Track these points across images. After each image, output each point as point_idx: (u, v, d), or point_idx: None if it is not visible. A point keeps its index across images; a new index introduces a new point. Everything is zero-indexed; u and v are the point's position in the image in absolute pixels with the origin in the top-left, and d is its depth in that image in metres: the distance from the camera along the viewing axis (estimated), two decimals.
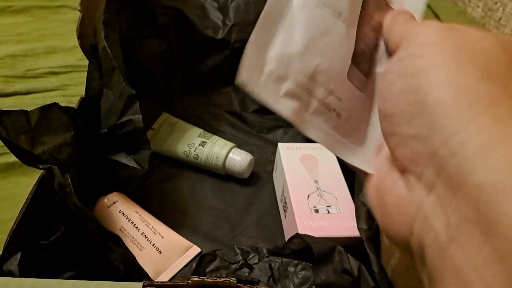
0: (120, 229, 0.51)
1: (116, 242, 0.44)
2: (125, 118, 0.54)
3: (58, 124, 0.48)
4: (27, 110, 0.46)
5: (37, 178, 0.47)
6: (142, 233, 0.51)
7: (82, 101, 0.58)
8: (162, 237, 0.52)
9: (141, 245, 0.51)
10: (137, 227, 0.52)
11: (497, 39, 0.24)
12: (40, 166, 0.44)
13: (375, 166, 0.29)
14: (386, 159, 0.28)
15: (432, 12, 1.23)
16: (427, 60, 0.24)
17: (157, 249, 0.50)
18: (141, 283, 0.34)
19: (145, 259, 0.49)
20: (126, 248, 0.45)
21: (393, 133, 0.25)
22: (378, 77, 0.31)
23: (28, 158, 0.44)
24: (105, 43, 0.54)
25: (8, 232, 0.42)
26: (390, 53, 0.29)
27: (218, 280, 0.34)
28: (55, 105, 0.49)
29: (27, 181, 0.63)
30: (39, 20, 1.03)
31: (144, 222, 0.53)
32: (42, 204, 0.44)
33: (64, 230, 0.43)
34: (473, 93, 0.21)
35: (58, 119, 0.48)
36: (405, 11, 0.31)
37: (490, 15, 1.15)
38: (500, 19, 1.12)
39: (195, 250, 0.52)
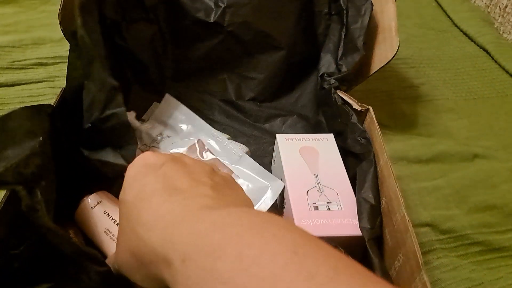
0: (105, 232, 0.47)
1: (95, 261, 0.40)
2: (108, 112, 0.50)
3: (21, 133, 0.43)
4: None
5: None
6: None
7: (63, 93, 0.54)
8: None
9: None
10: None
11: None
12: (3, 188, 0.39)
13: None
14: None
15: (434, 1, 1.19)
16: None
17: None
18: None
19: None
20: (106, 265, 0.41)
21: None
22: None
23: None
24: (83, 30, 0.50)
25: None
26: None
27: None
28: (17, 111, 0.43)
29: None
30: (27, 11, 1.00)
31: None
32: (11, 212, 0.40)
33: (36, 239, 0.39)
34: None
35: (21, 127, 0.43)
36: None
37: (495, 3, 1.12)
38: (506, 7, 1.08)
39: None
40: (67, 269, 0.40)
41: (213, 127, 0.64)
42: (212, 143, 0.61)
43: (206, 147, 0.61)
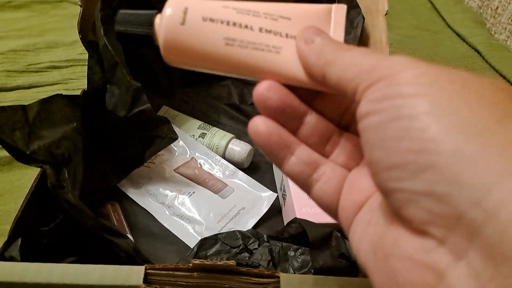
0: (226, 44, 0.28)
1: (115, 234, 0.45)
2: (136, 110, 0.55)
3: (59, 116, 0.49)
4: (24, 105, 0.46)
5: (40, 170, 0.48)
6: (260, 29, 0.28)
7: (84, 94, 0.60)
8: (289, 19, 0.28)
9: (271, 46, 0.28)
10: (247, 26, 0.28)
11: (486, 79, 0.21)
12: (33, 165, 0.45)
13: (364, 216, 0.25)
14: (381, 211, 0.24)
15: (429, 2, 1.24)
16: (427, 100, 0.19)
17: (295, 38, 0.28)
18: (143, 267, 0.35)
19: (295, 54, 0.28)
20: (126, 237, 0.46)
21: (395, 189, 0.20)
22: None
23: (21, 156, 0.44)
24: (105, 40, 0.55)
25: (11, 222, 0.44)
26: (342, 93, 0.25)
27: (218, 262, 0.36)
28: (57, 96, 0.49)
29: (30, 173, 0.64)
30: (39, 15, 1.05)
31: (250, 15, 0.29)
32: (44, 193, 0.45)
33: (64, 217, 0.45)
34: (497, 139, 0.18)
35: (60, 112, 0.49)
36: (325, 35, 0.27)
37: (487, 4, 1.16)
38: (497, 8, 1.12)
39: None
40: (89, 244, 0.45)
41: (219, 128, 0.70)
42: (206, 159, 0.67)
43: (199, 164, 0.66)
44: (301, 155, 0.28)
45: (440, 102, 0.19)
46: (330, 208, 0.28)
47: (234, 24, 0.27)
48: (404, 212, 0.20)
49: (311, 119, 0.28)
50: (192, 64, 0.28)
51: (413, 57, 0.22)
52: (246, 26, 0.27)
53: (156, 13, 0.28)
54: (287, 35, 0.28)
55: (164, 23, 0.27)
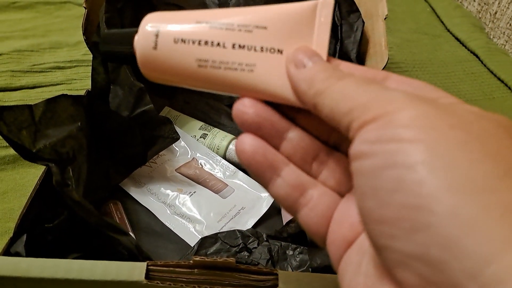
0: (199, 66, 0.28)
1: (118, 231, 0.46)
2: (138, 110, 0.56)
3: (64, 116, 0.50)
4: (31, 105, 0.47)
5: (44, 168, 0.49)
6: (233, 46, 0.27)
7: (88, 94, 0.61)
8: (265, 28, 0.27)
9: (244, 65, 0.27)
10: (219, 44, 0.27)
11: (493, 118, 0.20)
12: (39, 163, 0.46)
13: (354, 258, 0.24)
14: (371, 257, 0.22)
15: (429, 6, 1.25)
16: (424, 147, 0.18)
17: (272, 50, 0.27)
18: (145, 263, 0.36)
19: (271, 69, 0.27)
20: (128, 234, 0.47)
21: (386, 247, 0.19)
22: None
23: (27, 154, 0.45)
24: None
25: (16, 220, 0.45)
26: (335, 127, 0.23)
27: (218, 259, 0.37)
28: (63, 96, 0.50)
29: (34, 172, 0.65)
30: (44, 16, 1.05)
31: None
32: (48, 191, 0.46)
33: (68, 214, 0.46)
34: (499, 199, 0.16)
35: (65, 111, 0.50)
36: (318, 59, 0.25)
37: (486, 9, 1.17)
38: (496, 13, 1.14)
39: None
40: (92, 241, 0.46)
41: (220, 129, 0.71)
42: (207, 160, 0.68)
43: (200, 164, 0.67)
44: (287, 177, 0.26)
45: (439, 151, 0.18)
46: (318, 237, 0.26)
47: (206, 43, 0.26)
48: (396, 274, 0.19)
49: (294, 135, 0.27)
50: (170, 82, 0.28)
51: (416, 91, 0.21)
52: (218, 44, 0.26)
53: (136, 31, 0.27)
54: (262, 49, 0.27)
55: (138, 47, 0.27)
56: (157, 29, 0.27)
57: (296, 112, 0.27)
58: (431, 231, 0.17)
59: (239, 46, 0.27)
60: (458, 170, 0.17)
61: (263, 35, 0.27)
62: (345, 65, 0.27)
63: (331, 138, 0.28)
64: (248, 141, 0.26)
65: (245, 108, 0.26)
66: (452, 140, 0.18)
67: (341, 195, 0.27)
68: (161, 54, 0.27)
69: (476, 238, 0.16)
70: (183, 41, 0.26)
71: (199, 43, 0.26)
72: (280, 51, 0.27)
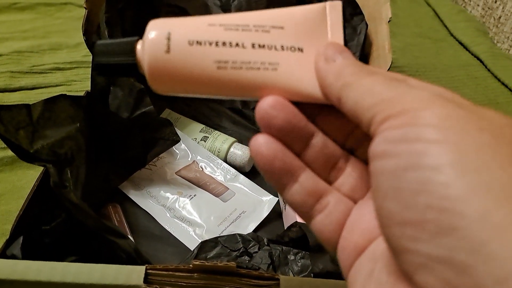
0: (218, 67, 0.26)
1: (116, 235, 0.45)
2: (138, 112, 0.56)
3: (63, 116, 0.49)
4: (29, 104, 0.46)
5: (42, 170, 0.48)
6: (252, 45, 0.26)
7: (88, 95, 0.60)
8: (282, 28, 0.27)
9: (268, 63, 0.26)
10: (238, 44, 0.26)
11: None
12: (36, 164, 0.45)
13: (365, 265, 0.23)
14: (384, 263, 0.22)
15: (432, 11, 1.24)
16: (452, 149, 0.17)
17: (292, 49, 0.26)
18: (144, 267, 0.35)
19: (294, 66, 0.26)
20: (127, 238, 0.46)
21: (408, 250, 0.18)
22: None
23: (25, 155, 0.44)
24: None
25: (13, 222, 0.44)
26: (356, 122, 0.23)
27: (218, 264, 0.36)
28: (62, 96, 0.49)
29: (32, 173, 0.65)
30: (44, 17, 1.05)
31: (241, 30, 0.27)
32: (46, 192, 0.46)
33: (66, 216, 0.45)
34: None
35: (64, 111, 0.49)
36: (348, 54, 0.25)
37: (490, 14, 1.16)
38: (500, 17, 1.13)
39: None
40: (90, 243, 0.45)
41: (221, 132, 0.70)
42: (207, 163, 0.67)
43: (201, 167, 0.66)
44: (305, 182, 0.25)
45: (467, 153, 0.17)
46: (329, 244, 0.26)
47: (224, 43, 0.25)
48: (416, 278, 0.18)
49: (317, 142, 0.26)
50: (183, 91, 0.26)
51: (440, 93, 0.21)
52: (237, 44, 0.25)
53: (137, 39, 0.26)
54: (282, 47, 0.26)
55: (147, 53, 0.25)
56: (168, 32, 0.25)
57: (316, 114, 0.26)
58: (458, 234, 0.16)
59: (259, 45, 0.25)
60: (488, 174, 0.16)
61: (281, 34, 0.26)
62: (370, 66, 0.26)
63: (348, 142, 0.27)
64: (265, 143, 0.24)
65: (274, 110, 0.24)
66: (481, 143, 0.17)
67: (354, 201, 0.26)
68: (175, 58, 0.24)
69: (506, 243, 0.15)
70: (199, 42, 0.25)
71: (217, 44, 0.25)
72: (300, 49, 0.26)
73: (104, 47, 0.27)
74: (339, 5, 0.27)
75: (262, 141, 0.24)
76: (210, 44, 0.25)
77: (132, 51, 0.26)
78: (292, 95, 0.26)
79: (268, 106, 0.24)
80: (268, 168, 0.25)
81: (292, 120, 0.25)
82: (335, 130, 0.27)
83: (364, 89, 0.22)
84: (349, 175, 0.26)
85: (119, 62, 0.26)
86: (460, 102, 0.21)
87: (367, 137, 0.22)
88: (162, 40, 0.24)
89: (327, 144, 0.26)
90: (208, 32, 0.25)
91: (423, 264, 0.17)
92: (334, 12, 0.27)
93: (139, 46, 0.26)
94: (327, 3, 0.27)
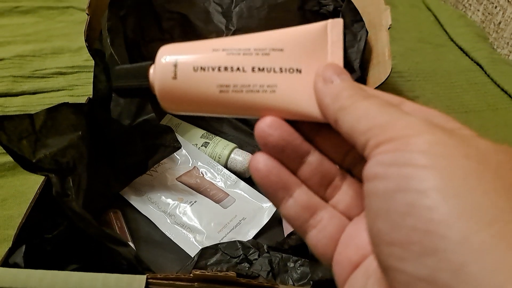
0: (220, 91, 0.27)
1: (117, 243, 0.45)
2: (140, 119, 0.56)
3: (65, 124, 0.49)
4: (31, 114, 0.47)
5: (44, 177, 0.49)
6: (252, 69, 0.27)
7: (90, 102, 0.60)
8: (282, 50, 0.28)
9: (266, 86, 0.27)
10: (238, 69, 0.27)
11: (509, 152, 0.20)
12: (39, 173, 0.45)
13: (359, 280, 0.24)
14: (376, 280, 0.23)
15: (433, 16, 1.24)
16: (438, 174, 0.18)
17: (290, 70, 0.27)
18: (145, 276, 0.36)
19: (292, 87, 0.27)
20: (128, 245, 0.46)
21: (395, 268, 0.19)
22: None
23: (27, 165, 0.45)
24: (111, 50, 0.56)
25: (16, 228, 0.44)
26: (352, 144, 0.24)
27: (219, 273, 0.36)
28: (64, 105, 0.50)
29: (34, 178, 0.65)
30: (46, 21, 1.05)
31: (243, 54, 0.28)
32: (48, 200, 0.46)
33: (67, 225, 0.45)
34: (511, 231, 0.17)
35: (66, 120, 0.50)
36: (346, 76, 0.26)
37: (490, 19, 1.17)
38: (500, 23, 1.13)
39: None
40: (91, 252, 0.45)
41: (221, 137, 0.70)
42: (208, 169, 0.67)
43: (201, 173, 0.67)
44: (299, 198, 0.27)
45: (453, 179, 0.18)
46: (324, 258, 0.27)
47: (226, 68, 0.27)
48: None
49: (313, 159, 0.27)
50: (190, 111, 0.28)
51: (433, 117, 0.22)
52: (238, 69, 0.27)
53: (150, 65, 0.28)
54: (281, 69, 0.27)
55: (157, 78, 0.27)
56: (175, 60, 0.27)
57: (315, 133, 0.28)
58: (440, 256, 0.17)
59: (259, 69, 0.27)
60: (471, 199, 0.17)
61: (280, 56, 0.27)
62: (366, 88, 0.27)
63: (345, 161, 0.28)
64: (262, 160, 0.26)
65: (270, 129, 0.26)
66: (466, 169, 0.18)
67: (350, 218, 0.27)
68: (181, 84, 0.27)
69: (486, 266, 0.16)
70: (203, 68, 0.27)
71: (219, 69, 0.27)
72: (299, 70, 0.27)
73: (121, 72, 0.29)
74: (340, 23, 0.28)
75: (259, 159, 0.26)
76: (213, 69, 0.27)
77: (145, 75, 0.28)
78: (290, 114, 0.27)
79: (265, 126, 0.26)
80: (264, 183, 0.26)
81: (287, 138, 0.26)
82: (333, 148, 0.28)
83: (360, 113, 0.23)
84: (345, 193, 0.27)
85: (134, 86, 0.29)
86: (451, 126, 0.22)
87: (363, 157, 0.23)
88: (170, 67, 0.27)
89: (323, 162, 0.28)
90: (212, 57, 0.27)
91: (408, 282, 0.18)
92: (335, 30, 0.28)
93: (151, 70, 0.28)
94: (329, 21, 0.28)
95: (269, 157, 0.26)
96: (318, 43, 0.28)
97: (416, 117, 0.21)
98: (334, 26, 0.28)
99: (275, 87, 0.27)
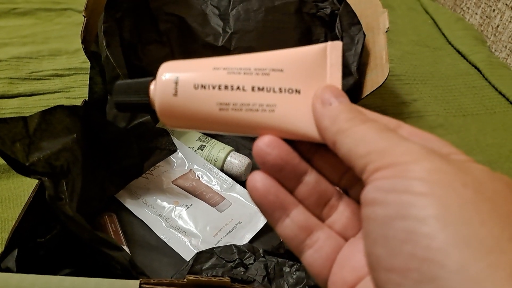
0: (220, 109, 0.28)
1: (111, 247, 0.45)
2: (135, 122, 0.56)
3: (60, 127, 0.49)
4: (25, 117, 0.46)
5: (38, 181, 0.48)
6: (252, 88, 0.28)
7: (85, 104, 0.60)
8: (282, 71, 0.28)
9: (265, 105, 0.28)
10: (238, 88, 0.28)
11: (504, 180, 0.20)
12: (32, 177, 0.45)
13: None
14: None
15: (430, 19, 1.24)
16: (437, 202, 0.19)
17: (290, 91, 0.28)
18: (138, 281, 0.36)
19: (291, 107, 0.28)
20: (122, 250, 0.46)
21: None
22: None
23: (20, 168, 0.45)
24: (107, 52, 0.56)
25: (9, 231, 0.44)
26: (350, 166, 0.24)
27: (213, 279, 0.36)
28: (59, 107, 0.49)
29: (29, 181, 0.64)
30: (44, 23, 1.05)
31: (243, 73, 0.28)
32: (42, 204, 0.46)
33: (61, 229, 0.45)
34: (507, 260, 0.17)
35: (61, 122, 0.49)
36: (344, 99, 0.26)
37: (488, 22, 1.17)
38: (498, 26, 1.13)
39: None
40: (85, 256, 0.45)
41: (218, 140, 0.70)
42: (204, 172, 0.67)
43: (197, 176, 0.66)
44: (296, 218, 0.27)
45: (451, 208, 0.18)
46: (319, 278, 0.27)
47: (226, 87, 0.27)
48: None
49: (310, 179, 0.27)
50: (190, 127, 0.29)
51: (431, 143, 0.22)
52: (238, 88, 0.27)
53: (151, 80, 0.28)
54: (280, 90, 0.28)
55: (158, 95, 0.27)
56: (176, 77, 0.27)
57: (313, 153, 0.28)
58: (438, 284, 0.17)
59: (258, 88, 0.27)
60: (469, 228, 0.18)
61: (280, 77, 0.28)
62: (364, 111, 0.27)
63: (342, 181, 0.28)
64: (260, 179, 0.26)
65: (268, 148, 0.26)
66: (464, 198, 0.19)
67: (346, 239, 0.27)
68: (181, 101, 0.27)
69: None
70: (203, 86, 0.27)
71: (219, 88, 0.27)
72: (298, 91, 0.28)
73: (122, 87, 0.30)
74: (339, 45, 0.28)
75: (257, 178, 0.26)
76: (214, 87, 0.27)
77: (146, 91, 0.28)
78: (288, 134, 0.27)
79: (263, 144, 0.26)
80: (262, 202, 0.26)
81: (285, 158, 0.26)
82: (330, 168, 0.28)
83: (358, 137, 0.23)
84: (341, 213, 0.27)
85: (134, 102, 0.29)
86: (447, 151, 0.22)
87: (360, 178, 0.23)
88: (171, 84, 0.27)
89: (320, 181, 0.28)
90: (212, 76, 0.27)
91: None
92: (334, 52, 0.28)
93: (152, 86, 0.28)
94: (328, 43, 0.28)
95: (267, 176, 0.27)
96: (318, 64, 0.28)
97: (414, 143, 0.22)
98: (334, 49, 0.28)
99: (274, 107, 0.27)
